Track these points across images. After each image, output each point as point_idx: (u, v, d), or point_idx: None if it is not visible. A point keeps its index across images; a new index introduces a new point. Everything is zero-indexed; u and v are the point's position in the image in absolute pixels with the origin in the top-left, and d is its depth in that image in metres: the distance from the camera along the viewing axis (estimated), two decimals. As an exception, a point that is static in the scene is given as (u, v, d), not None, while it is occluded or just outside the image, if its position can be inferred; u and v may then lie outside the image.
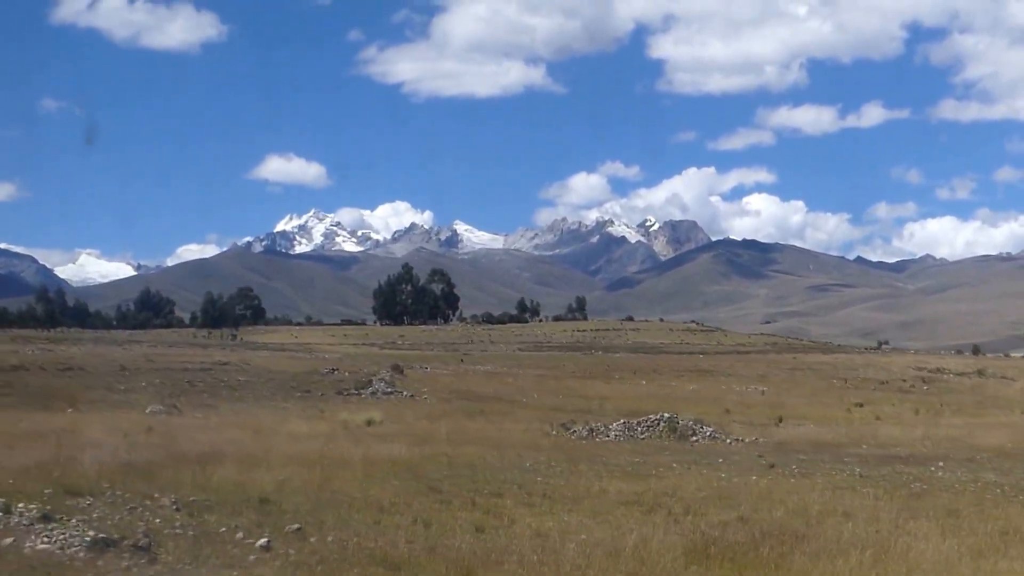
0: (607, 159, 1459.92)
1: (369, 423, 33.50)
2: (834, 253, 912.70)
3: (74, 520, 15.08)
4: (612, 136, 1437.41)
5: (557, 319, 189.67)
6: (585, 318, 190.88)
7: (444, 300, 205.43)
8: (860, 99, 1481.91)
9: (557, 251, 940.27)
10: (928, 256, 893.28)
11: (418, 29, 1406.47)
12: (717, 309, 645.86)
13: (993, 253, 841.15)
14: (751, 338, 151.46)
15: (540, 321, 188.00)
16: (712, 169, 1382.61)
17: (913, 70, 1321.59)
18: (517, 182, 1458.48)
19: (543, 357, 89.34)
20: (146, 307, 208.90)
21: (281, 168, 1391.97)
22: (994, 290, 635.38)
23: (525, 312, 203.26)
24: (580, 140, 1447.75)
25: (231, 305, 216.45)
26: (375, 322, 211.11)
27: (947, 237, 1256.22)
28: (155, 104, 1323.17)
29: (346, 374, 55.85)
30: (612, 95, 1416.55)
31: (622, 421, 29.13)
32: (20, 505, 16.05)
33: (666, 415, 28.84)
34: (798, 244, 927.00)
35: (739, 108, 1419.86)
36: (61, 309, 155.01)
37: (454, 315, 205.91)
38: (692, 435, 27.85)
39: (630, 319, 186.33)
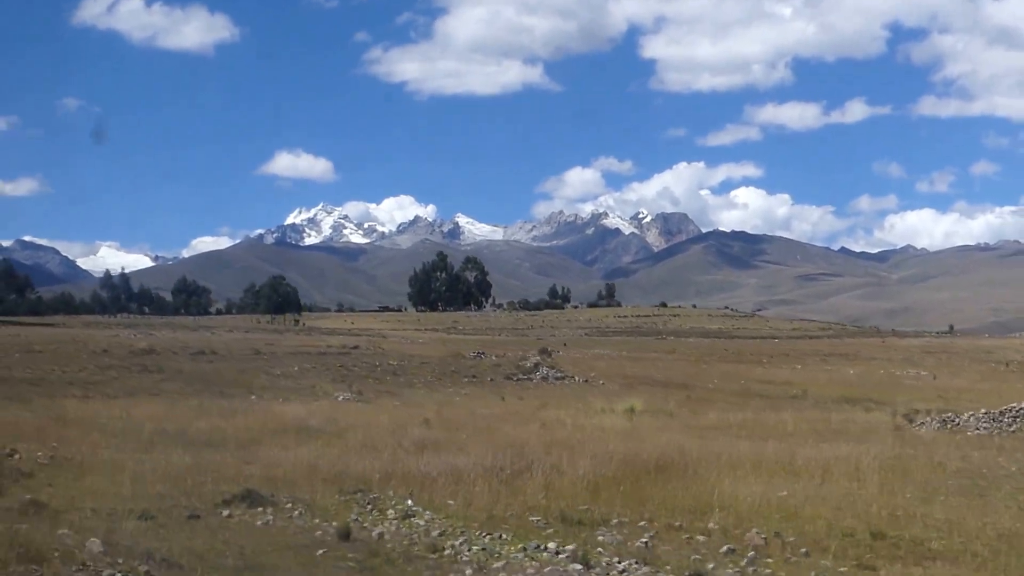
0: (601, 154, 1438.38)
1: (632, 410, 27.84)
2: (819, 244, 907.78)
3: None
4: (606, 132, 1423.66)
5: (592, 306, 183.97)
6: (619, 304, 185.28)
7: (477, 287, 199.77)
8: (843, 96, 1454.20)
9: (554, 242, 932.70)
10: (909, 246, 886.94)
11: (421, 30, 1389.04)
12: (709, 298, 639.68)
13: (971, 243, 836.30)
14: (793, 323, 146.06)
15: (575, 307, 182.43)
16: (702, 164, 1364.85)
17: (895, 68, 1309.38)
18: (516, 176, 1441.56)
19: (635, 343, 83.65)
20: (183, 294, 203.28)
21: (291, 164, 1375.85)
22: (974, 279, 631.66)
23: (557, 298, 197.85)
24: (576, 136, 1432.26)
25: (264, 293, 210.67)
26: (403, 308, 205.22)
27: (926, 228, 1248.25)
28: (170, 102, 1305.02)
29: (492, 357, 50.07)
30: (606, 93, 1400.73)
31: (983, 412, 23.42)
32: (557, 546, 10.35)
33: (1033, 404, 23.16)
34: (784, 235, 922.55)
35: (727, 105, 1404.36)
36: (127, 295, 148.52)
37: (487, 302, 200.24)
38: (1079, 428, 22.15)
39: (664, 305, 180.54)
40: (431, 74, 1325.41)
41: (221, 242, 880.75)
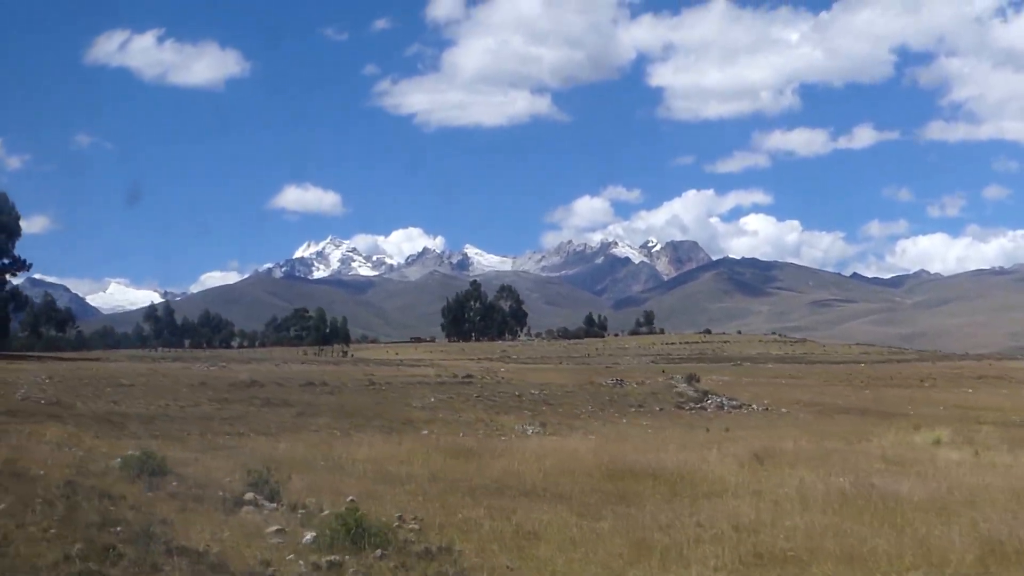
0: (610, 183, 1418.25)
1: (938, 442, 22.88)
2: (830, 270, 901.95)
3: None
4: (614, 161, 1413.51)
5: (633, 333, 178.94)
6: (661, 331, 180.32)
7: (512, 316, 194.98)
8: (851, 122, 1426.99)
9: (563, 272, 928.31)
10: (923, 271, 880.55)
11: (429, 62, 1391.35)
12: (722, 325, 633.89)
13: (985, 267, 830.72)
14: (853, 347, 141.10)
15: (615, 335, 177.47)
16: (711, 191, 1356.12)
17: (902, 93, 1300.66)
18: (524, 207, 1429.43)
19: (725, 368, 78.53)
20: (207, 328, 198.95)
21: (299, 197, 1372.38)
22: (990, 303, 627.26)
23: (594, 326, 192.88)
24: (584, 165, 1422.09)
25: (287, 326, 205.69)
26: (433, 338, 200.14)
27: (938, 253, 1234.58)
28: (180, 138, 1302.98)
29: (633, 384, 45.14)
30: (614, 122, 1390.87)
31: None
32: None
33: None
34: (795, 262, 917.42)
35: (735, 132, 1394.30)
36: (169, 328, 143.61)
37: (522, 331, 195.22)
38: None
39: (708, 332, 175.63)
40: (439, 106, 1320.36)
41: (230, 277, 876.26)
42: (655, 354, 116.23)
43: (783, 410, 37.46)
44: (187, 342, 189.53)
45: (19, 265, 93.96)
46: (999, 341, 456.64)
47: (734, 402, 38.72)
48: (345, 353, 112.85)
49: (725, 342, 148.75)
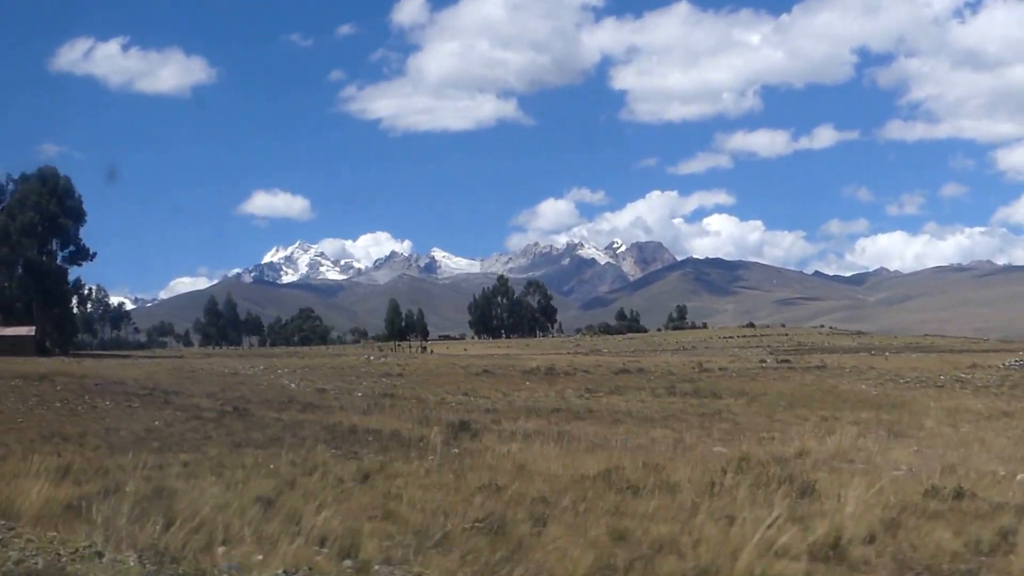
0: (574, 185, 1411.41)
1: None
2: (792, 268, 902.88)
3: None
4: (579, 163, 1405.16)
5: (676, 328, 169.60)
6: (704, 326, 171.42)
7: (541, 312, 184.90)
8: (812, 122, 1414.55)
9: (531, 274, 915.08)
10: (882, 269, 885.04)
11: (395, 67, 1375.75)
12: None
13: (943, 264, 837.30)
14: (928, 337, 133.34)
15: (659, 331, 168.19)
16: (674, 192, 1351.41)
17: (862, 93, 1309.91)
18: (490, 209, 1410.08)
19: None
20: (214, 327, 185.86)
21: (267, 202, 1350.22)
22: (952, 299, 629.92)
23: (626, 321, 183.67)
24: (549, 168, 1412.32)
25: (296, 326, 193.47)
26: (462, 336, 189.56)
27: (897, 250, 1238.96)
28: (148, 145, 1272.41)
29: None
30: (579, 125, 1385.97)
31: None
32: None
33: None
34: (757, 261, 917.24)
35: (698, 134, 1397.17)
36: (232, 323, 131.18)
37: (552, 327, 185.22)
38: None
39: (751, 325, 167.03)
40: (406, 110, 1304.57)
41: (199, 282, 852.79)
42: (755, 347, 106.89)
43: None
44: (195, 341, 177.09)
45: (83, 254, 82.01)
46: (967, 336, 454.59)
47: None
48: (424, 349, 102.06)
49: (785, 335, 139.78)
